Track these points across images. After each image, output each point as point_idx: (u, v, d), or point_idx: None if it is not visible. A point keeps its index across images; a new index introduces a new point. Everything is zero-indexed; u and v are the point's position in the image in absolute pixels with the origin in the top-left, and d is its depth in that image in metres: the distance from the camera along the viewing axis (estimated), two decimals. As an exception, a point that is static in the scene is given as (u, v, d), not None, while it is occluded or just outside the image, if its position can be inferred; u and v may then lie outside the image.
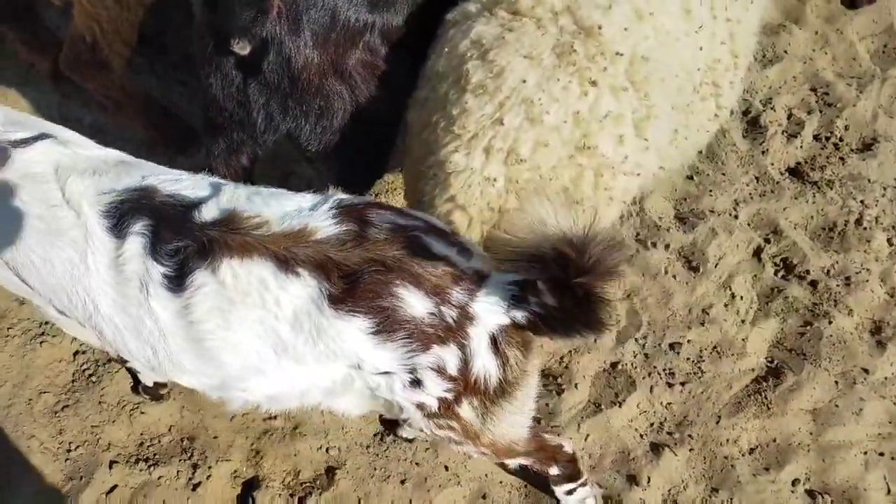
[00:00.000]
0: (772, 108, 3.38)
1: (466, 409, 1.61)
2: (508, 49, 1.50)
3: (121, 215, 1.50)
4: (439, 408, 1.60)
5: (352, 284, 1.43)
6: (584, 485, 2.31)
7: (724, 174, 3.20)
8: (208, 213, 1.50)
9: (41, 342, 2.64)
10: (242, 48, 1.58)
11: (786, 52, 3.56)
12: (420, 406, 1.61)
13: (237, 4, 1.48)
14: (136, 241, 1.48)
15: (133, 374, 2.54)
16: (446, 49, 1.60)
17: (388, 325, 1.46)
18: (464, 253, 1.53)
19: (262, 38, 1.59)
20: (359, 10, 1.69)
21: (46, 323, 2.67)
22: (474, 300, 1.49)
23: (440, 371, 1.52)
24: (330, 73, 1.72)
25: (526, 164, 1.50)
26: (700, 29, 1.71)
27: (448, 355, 1.51)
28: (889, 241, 3.05)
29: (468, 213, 1.56)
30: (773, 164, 3.24)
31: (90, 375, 2.62)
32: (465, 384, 1.55)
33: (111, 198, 1.51)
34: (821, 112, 3.39)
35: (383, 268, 1.44)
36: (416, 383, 1.54)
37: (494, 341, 1.51)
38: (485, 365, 1.52)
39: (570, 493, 2.31)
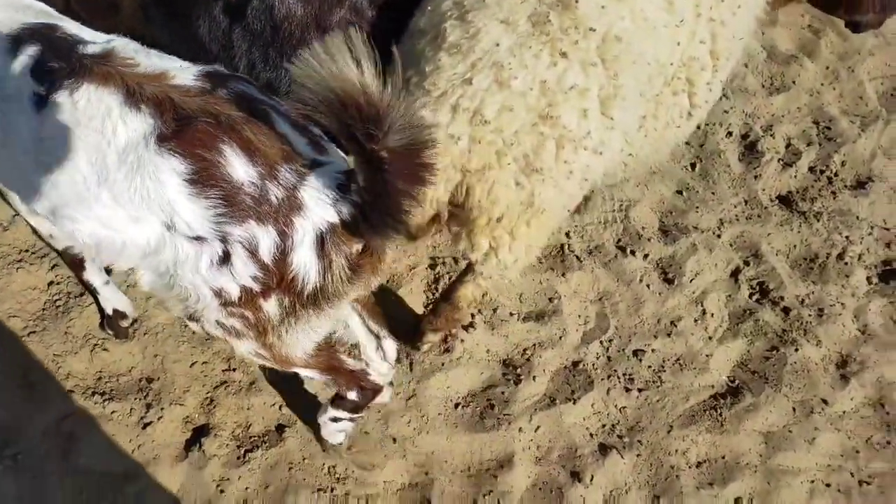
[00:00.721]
0: (771, 136, 3.38)
1: (273, 306, 1.60)
2: (487, 12, 1.55)
3: (19, 39, 1.64)
4: (240, 297, 1.58)
5: (181, 127, 1.49)
6: (353, 421, 2.29)
7: (713, 193, 3.21)
8: (92, 48, 1.63)
9: (18, 268, 2.69)
10: (230, -9, 1.64)
11: (794, 82, 3.57)
12: (219, 293, 1.58)
13: (226, -53, 1.53)
14: (22, 62, 1.61)
15: (101, 309, 2.59)
16: (429, 7, 1.65)
17: (204, 177, 1.48)
18: (315, 146, 1.55)
19: (249, -16, 1.65)
20: (348, -32, 1.74)
21: (26, 250, 2.73)
22: (303, 185, 1.49)
23: (252, 252, 1.51)
24: (312, 27, 1.76)
25: (490, 125, 1.54)
26: (681, 23, 1.74)
27: (263, 237, 1.50)
28: (868, 279, 3.05)
29: None
30: (763, 190, 3.24)
31: (60, 307, 2.67)
32: (278, 279, 1.53)
33: (18, 26, 1.67)
34: (820, 145, 3.39)
35: (215, 121, 1.49)
36: (225, 259, 1.53)
37: (321, 241, 1.51)
38: (305, 263, 1.51)
39: (335, 420, 2.27)
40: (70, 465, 2.39)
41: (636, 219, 3.11)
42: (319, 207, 1.50)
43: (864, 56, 3.69)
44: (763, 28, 3.71)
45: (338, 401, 2.21)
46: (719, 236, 3.09)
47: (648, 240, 3.07)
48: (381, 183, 1.37)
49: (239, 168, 1.48)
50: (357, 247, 1.55)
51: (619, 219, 3.11)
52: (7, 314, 2.62)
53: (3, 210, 2.72)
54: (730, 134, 3.37)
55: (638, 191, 3.17)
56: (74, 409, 2.48)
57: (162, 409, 2.52)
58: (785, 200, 3.23)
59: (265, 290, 1.57)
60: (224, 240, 1.52)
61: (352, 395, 2.13)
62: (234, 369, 2.62)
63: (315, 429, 2.43)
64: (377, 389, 2.16)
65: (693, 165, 3.29)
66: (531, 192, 1.64)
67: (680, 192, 3.20)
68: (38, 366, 2.55)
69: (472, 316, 2.79)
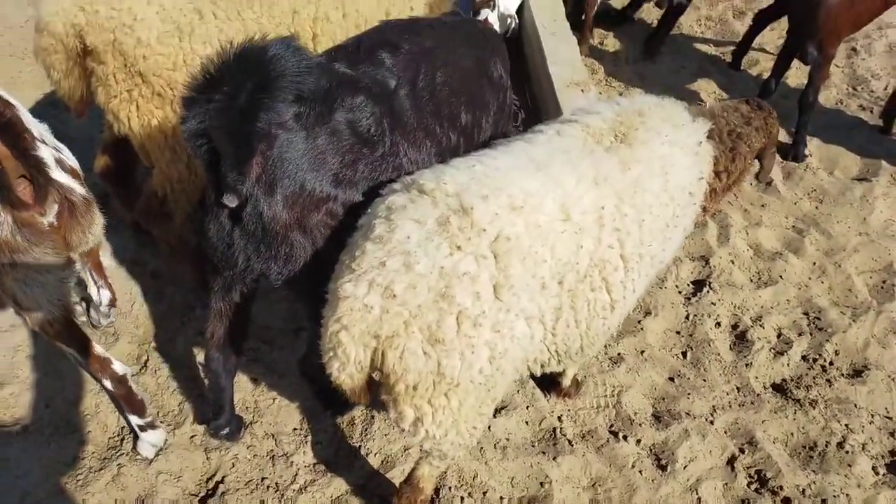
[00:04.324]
0: (761, 326, 3.52)
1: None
2: (406, 214, 1.96)
3: None
4: None
5: None
6: (154, 427, 2.79)
7: (705, 380, 3.29)
8: None
9: None
10: (231, 201, 2.06)
11: (781, 277, 3.77)
12: None
13: (227, 168, 1.99)
14: None
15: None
16: (370, 210, 2.09)
17: None
18: None
19: (246, 195, 2.08)
20: (324, 184, 2.18)
21: None
22: None
23: None
24: (295, 228, 2.18)
25: (397, 299, 1.85)
26: (580, 231, 2.07)
27: None
28: (875, 469, 2.96)
29: (350, 333, 1.87)
30: (756, 378, 3.31)
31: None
32: None
33: None
34: (811, 335, 3.49)
35: None
36: None
37: None
38: None
39: (142, 428, 2.78)
40: None
41: (628, 404, 3.20)
42: None
43: (850, 252, 3.90)
44: (747, 229, 4.03)
45: (116, 402, 2.63)
46: (712, 423, 3.12)
47: (641, 425, 3.12)
48: None
49: None
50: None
51: (612, 404, 3.20)
52: None
53: None
54: (718, 324, 3.53)
55: (629, 376, 3.30)
56: None
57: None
58: (779, 388, 3.28)
59: None
60: None
61: (106, 384, 2.59)
62: None
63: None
64: (122, 380, 2.63)
65: (684, 353, 3.42)
66: (437, 362, 1.89)
67: (672, 379, 3.30)
68: None
69: (462, 500, 2.84)
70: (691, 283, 3.76)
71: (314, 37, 3.08)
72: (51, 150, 2.45)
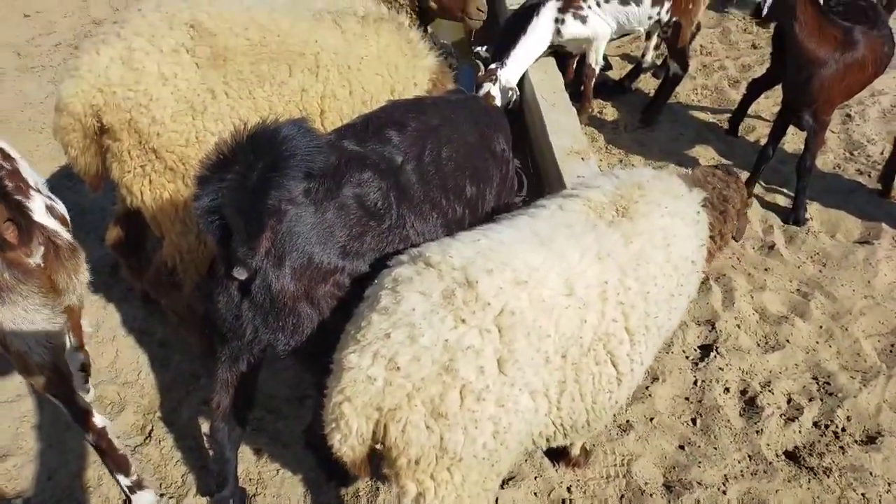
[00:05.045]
0: (770, 392, 3.48)
1: None
2: (412, 286, 1.98)
3: None
4: None
5: None
6: (143, 488, 2.81)
7: (715, 448, 3.24)
8: None
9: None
10: (240, 274, 2.11)
11: (788, 341, 3.76)
12: None
13: (238, 243, 2.04)
14: None
15: None
16: (376, 281, 2.12)
17: None
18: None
19: (255, 268, 2.13)
20: (331, 257, 2.23)
21: None
22: None
23: None
24: (302, 299, 2.21)
25: (401, 371, 1.86)
26: (584, 305, 2.09)
27: None
28: (894, 541, 2.88)
29: (353, 405, 1.87)
30: (768, 445, 3.26)
31: None
32: None
33: None
34: (822, 400, 3.45)
35: None
36: None
37: None
38: None
39: (131, 489, 2.79)
40: None
41: (639, 474, 3.14)
42: None
43: (856, 316, 3.90)
44: (752, 293, 4.04)
45: (102, 458, 2.68)
46: (725, 493, 3.05)
47: (652, 496, 3.06)
48: None
49: None
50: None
51: (622, 473, 3.14)
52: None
53: None
54: (727, 390, 3.50)
55: (639, 444, 3.25)
56: None
57: None
58: (791, 456, 3.22)
59: None
60: None
61: (90, 437, 2.65)
62: None
63: None
64: (101, 434, 2.68)
65: (693, 420, 3.38)
66: (440, 436, 1.87)
67: (682, 447, 3.25)
68: None
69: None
70: (698, 347, 3.75)
71: (322, 113, 3.20)
72: (43, 199, 2.68)
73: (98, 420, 2.71)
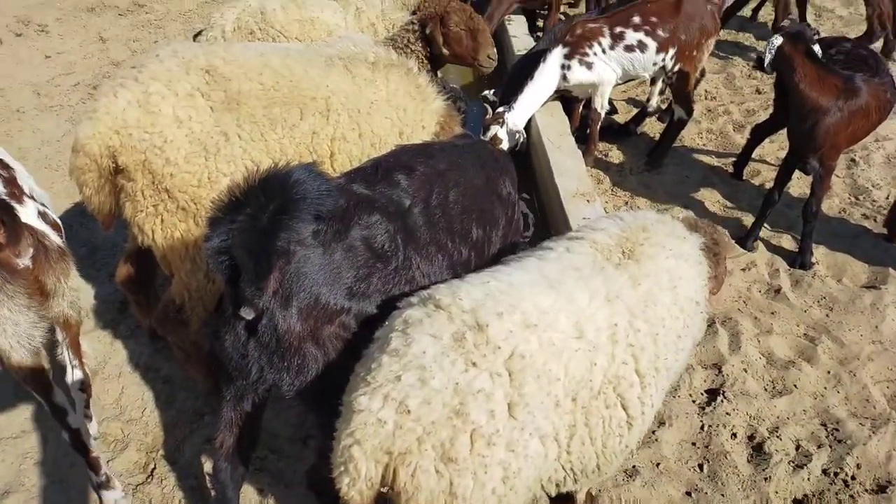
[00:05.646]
0: (778, 438, 3.44)
1: None
2: (422, 328, 1.99)
3: None
4: None
5: None
6: (111, 488, 2.94)
7: (723, 495, 3.19)
8: None
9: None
10: (248, 314, 2.14)
11: (796, 386, 3.73)
12: None
13: (246, 283, 2.07)
14: None
15: None
16: (386, 322, 2.13)
17: None
18: None
19: (262, 308, 2.15)
20: (338, 297, 2.25)
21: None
22: None
23: None
24: (308, 340, 2.23)
25: (411, 415, 1.85)
26: (593, 348, 2.10)
27: None
28: None
29: (363, 448, 1.86)
30: (776, 493, 3.20)
31: None
32: None
33: None
34: (831, 447, 3.41)
35: None
36: None
37: None
38: None
39: (100, 486, 2.92)
40: None
41: (645, 521, 3.09)
42: None
43: (864, 361, 3.87)
44: (759, 337, 4.03)
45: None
46: (733, 541, 3.00)
47: (658, 544, 3.01)
48: None
49: None
50: None
51: (628, 520, 3.10)
52: None
53: None
54: (734, 435, 3.46)
55: (645, 490, 3.21)
56: None
57: None
58: (800, 504, 3.17)
59: None
60: None
61: (63, 434, 2.79)
62: None
63: None
64: (75, 433, 2.79)
65: (700, 466, 3.33)
66: (450, 481, 1.85)
67: (689, 494, 3.21)
68: None
69: None
70: (705, 392, 3.72)
71: (331, 155, 3.26)
72: (36, 205, 2.83)
73: (71, 420, 2.83)
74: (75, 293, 2.82)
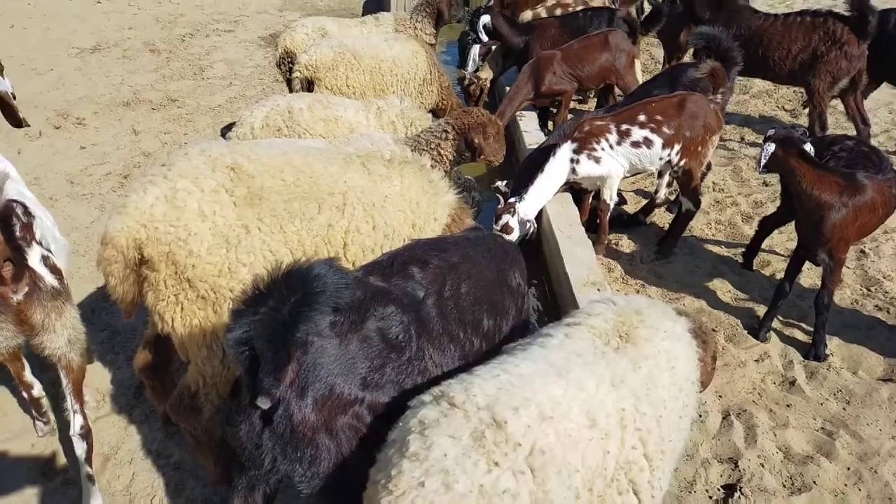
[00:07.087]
0: (799, 538, 3.34)
1: None
2: (440, 429, 1.96)
3: None
4: None
5: None
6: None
7: None
8: None
9: None
10: (264, 403, 2.17)
11: (815, 482, 3.64)
12: None
13: (264, 373, 2.13)
14: None
15: None
16: (400, 423, 2.12)
17: None
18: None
19: (278, 398, 2.20)
20: (352, 388, 2.30)
21: None
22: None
23: None
24: (322, 430, 2.26)
25: None
26: (606, 436, 2.11)
27: None
28: None
29: None
30: None
31: None
32: None
33: None
34: (855, 549, 3.29)
35: None
36: None
37: None
38: None
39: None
40: None
41: None
42: None
43: (885, 457, 3.78)
44: (775, 430, 3.97)
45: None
46: None
47: None
48: None
49: None
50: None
51: None
52: None
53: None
54: (752, 534, 3.36)
55: None
56: None
57: None
58: None
59: None
60: None
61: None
62: None
63: None
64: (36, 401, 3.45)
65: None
66: None
67: None
68: None
69: None
70: (721, 487, 3.64)
71: (345, 245, 3.39)
72: (41, 250, 3.19)
73: (36, 391, 3.73)
74: (72, 332, 3.17)
